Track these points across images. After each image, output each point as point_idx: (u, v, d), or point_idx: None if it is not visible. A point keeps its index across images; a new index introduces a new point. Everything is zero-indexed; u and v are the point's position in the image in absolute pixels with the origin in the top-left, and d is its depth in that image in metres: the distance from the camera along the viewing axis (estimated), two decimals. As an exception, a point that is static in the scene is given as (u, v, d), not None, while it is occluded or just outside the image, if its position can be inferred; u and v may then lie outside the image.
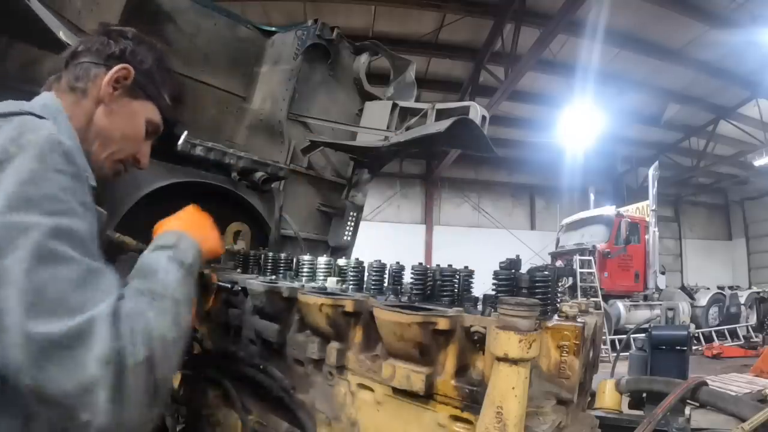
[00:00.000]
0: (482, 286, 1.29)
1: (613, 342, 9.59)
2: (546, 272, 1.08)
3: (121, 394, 0.65)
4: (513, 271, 1.11)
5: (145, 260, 0.87)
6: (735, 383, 6.10)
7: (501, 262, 1.14)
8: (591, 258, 10.88)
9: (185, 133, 1.21)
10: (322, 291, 1.28)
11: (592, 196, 13.78)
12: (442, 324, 0.98)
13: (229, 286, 1.35)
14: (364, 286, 1.39)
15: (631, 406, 2.14)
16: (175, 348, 0.77)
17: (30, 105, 0.89)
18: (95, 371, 0.64)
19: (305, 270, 1.53)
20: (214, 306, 1.35)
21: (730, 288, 13.40)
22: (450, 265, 1.29)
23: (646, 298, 11.75)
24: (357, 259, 1.46)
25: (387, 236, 14.15)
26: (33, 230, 0.66)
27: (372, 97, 3.18)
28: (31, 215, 0.67)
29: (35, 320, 0.63)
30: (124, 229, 1.98)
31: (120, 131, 1.01)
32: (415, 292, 1.26)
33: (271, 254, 1.69)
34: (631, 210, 12.79)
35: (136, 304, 0.74)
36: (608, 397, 2.14)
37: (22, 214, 0.67)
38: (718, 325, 12.08)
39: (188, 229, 0.99)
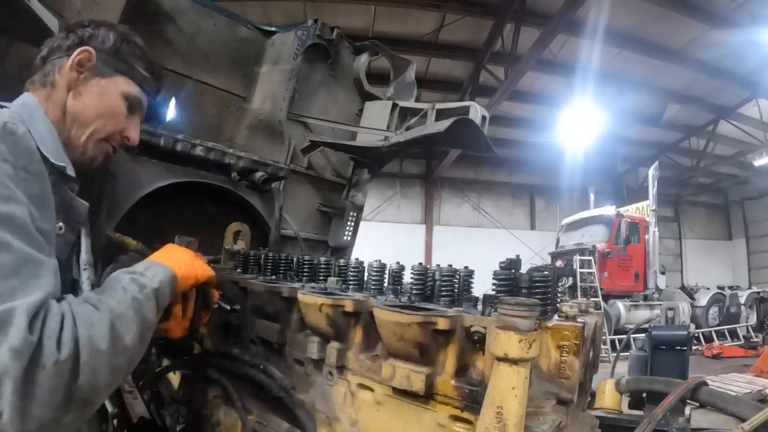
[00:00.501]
0: (482, 286, 1.29)
1: (613, 342, 9.59)
2: (546, 272, 1.08)
3: (29, 389, 0.63)
4: (513, 271, 1.11)
5: (110, 279, 0.89)
6: (735, 383, 6.10)
7: (501, 262, 1.14)
8: (591, 258, 10.88)
9: (172, 99, 1.22)
10: (322, 291, 1.28)
11: (592, 196, 13.78)
12: (442, 324, 0.98)
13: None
14: (364, 286, 1.39)
15: (631, 406, 2.14)
16: (108, 360, 0.75)
17: (10, 105, 0.92)
18: (5, 360, 0.62)
19: (305, 270, 1.53)
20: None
21: (730, 288, 13.40)
22: (450, 265, 1.29)
23: (646, 298, 11.75)
24: (357, 259, 1.46)
25: (387, 236, 14.16)
26: None
27: (372, 97, 3.18)
28: None
29: None
30: (124, 229, 1.98)
31: (94, 110, 1.02)
32: (415, 292, 1.26)
33: (271, 254, 1.69)
34: (631, 210, 12.79)
35: (76, 308, 0.74)
36: (608, 397, 2.14)
37: None
38: (718, 325, 12.08)
39: (161, 259, 1.01)
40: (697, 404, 1.87)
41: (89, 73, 1.01)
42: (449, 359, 1.00)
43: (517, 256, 1.15)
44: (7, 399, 0.62)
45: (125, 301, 0.83)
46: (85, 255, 1.11)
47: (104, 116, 1.03)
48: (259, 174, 2.47)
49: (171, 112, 1.24)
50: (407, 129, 2.86)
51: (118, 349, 0.77)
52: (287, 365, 1.36)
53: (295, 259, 1.60)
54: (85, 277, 1.08)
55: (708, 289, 13.20)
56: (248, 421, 1.30)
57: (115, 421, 1.46)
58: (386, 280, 1.35)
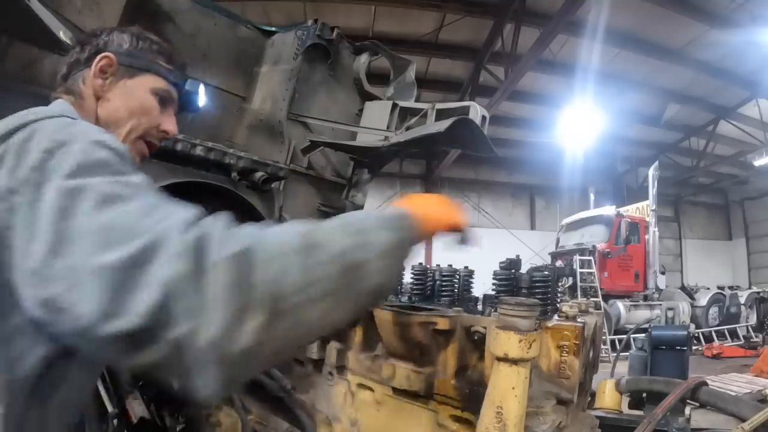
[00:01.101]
0: (482, 286, 1.29)
1: (613, 342, 9.58)
2: (546, 272, 1.08)
3: (198, 288, 0.54)
4: (513, 271, 1.11)
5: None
6: (735, 383, 6.10)
7: (501, 262, 1.14)
8: (591, 258, 10.88)
9: (201, 86, 1.21)
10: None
11: (592, 196, 13.78)
12: (442, 324, 0.98)
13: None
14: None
15: (631, 406, 2.14)
16: (298, 261, 0.60)
17: (51, 110, 0.90)
18: (170, 266, 0.55)
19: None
20: None
21: (730, 288, 13.40)
22: (450, 265, 1.29)
23: (646, 298, 11.74)
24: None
25: (387, 236, 14.12)
26: (91, 188, 0.62)
27: (372, 97, 3.18)
28: (89, 178, 0.64)
29: (102, 253, 0.56)
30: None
31: (125, 109, 1.03)
32: (415, 292, 1.26)
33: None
34: (631, 210, 12.79)
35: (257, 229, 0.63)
36: (608, 397, 2.14)
37: (80, 179, 0.63)
38: (718, 325, 12.07)
39: (408, 205, 0.85)
40: (697, 404, 1.87)
41: (113, 78, 1.02)
42: (449, 359, 1.00)
43: (517, 256, 1.15)
44: (183, 313, 0.54)
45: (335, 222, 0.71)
46: None
47: (137, 114, 1.04)
48: (259, 174, 2.47)
49: (202, 98, 1.22)
50: (407, 129, 2.86)
51: (314, 255, 0.62)
52: (287, 365, 1.36)
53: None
54: None
55: (708, 289, 13.19)
56: (248, 421, 1.30)
57: (115, 421, 1.46)
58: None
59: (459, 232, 0.90)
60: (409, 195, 0.90)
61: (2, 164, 0.67)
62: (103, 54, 1.01)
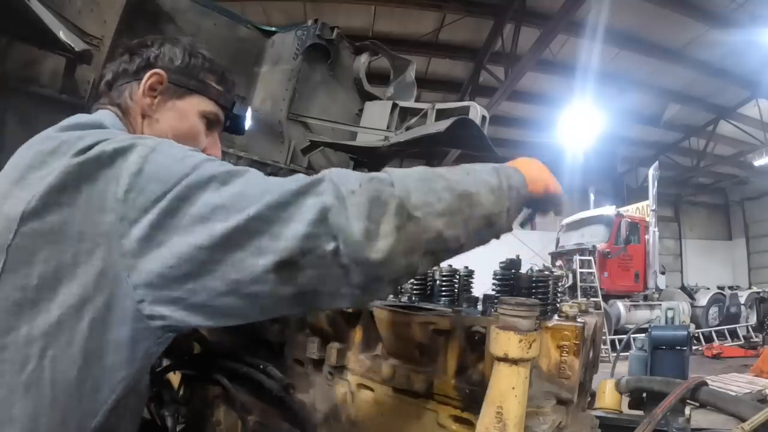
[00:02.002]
0: (482, 286, 1.29)
1: (613, 342, 9.59)
2: (545, 273, 1.08)
3: (344, 209, 0.64)
4: (513, 271, 1.11)
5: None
6: (735, 383, 6.11)
7: (501, 262, 1.14)
8: (591, 258, 10.89)
9: (249, 108, 1.16)
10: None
11: (592, 196, 13.79)
12: (442, 324, 0.98)
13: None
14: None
15: (631, 406, 2.14)
16: (425, 186, 0.71)
17: (92, 119, 0.89)
18: (318, 202, 0.65)
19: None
20: None
21: (730, 288, 13.40)
22: (450, 265, 1.29)
23: (646, 298, 11.75)
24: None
25: (387, 236, 14.12)
26: (198, 170, 0.68)
27: (372, 97, 3.18)
28: (191, 160, 0.70)
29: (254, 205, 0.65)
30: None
31: (173, 133, 0.98)
32: (415, 292, 1.26)
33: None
34: (631, 210, 12.79)
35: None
36: (608, 397, 2.14)
37: (183, 164, 0.69)
38: (718, 325, 12.07)
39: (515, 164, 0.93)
40: (697, 404, 1.87)
41: (162, 97, 0.97)
42: (449, 359, 1.00)
43: (517, 256, 1.15)
44: (332, 222, 0.64)
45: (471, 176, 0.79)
46: None
47: (184, 138, 0.98)
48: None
49: (249, 121, 1.18)
50: (407, 129, 2.86)
51: (434, 181, 0.73)
52: (287, 365, 1.36)
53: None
54: None
55: (708, 289, 13.20)
56: (248, 421, 1.30)
57: (115, 421, 1.46)
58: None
59: (554, 197, 0.99)
60: (518, 159, 0.97)
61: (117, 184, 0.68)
62: (154, 71, 0.96)
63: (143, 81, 0.95)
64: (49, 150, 0.74)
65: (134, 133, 0.94)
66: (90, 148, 0.71)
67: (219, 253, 0.64)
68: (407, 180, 0.71)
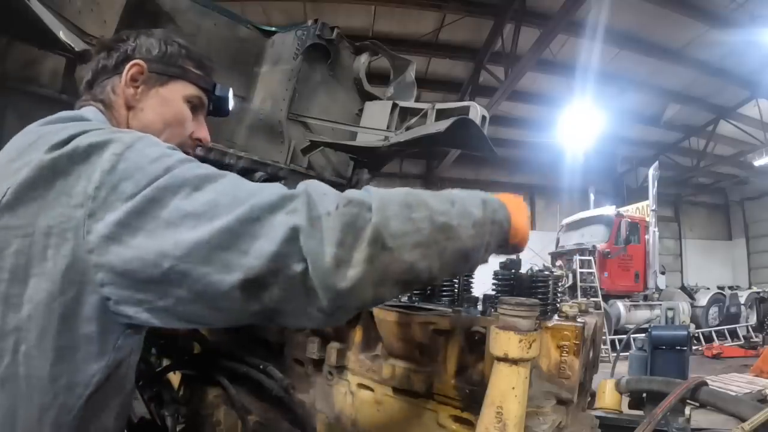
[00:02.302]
0: (482, 286, 1.29)
1: (613, 342, 9.59)
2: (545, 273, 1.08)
3: (316, 232, 0.62)
4: (513, 270, 1.11)
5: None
6: (735, 383, 6.11)
7: (501, 262, 1.14)
8: (591, 258, 10.88)
9: (230, 91, 1.17)
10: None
11: (592, 196, 13.77)
12: (442, 324, 0.98)
13: None
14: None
15: (631, 406, 2.14)
16: (401, 213, 0.68)
17: (80, 114, 0.89)
18: (290, 221, 0.63)
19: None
20: None
21: (730, 288, 13.38)
22: (450, 265, 1.29)
23: (646, 298, 11.74)
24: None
25: (387, 236, 14.10)
26: (173, 171, 0.68)
27: (372, 97, 3.18)
28: (166, 161, 0.69)
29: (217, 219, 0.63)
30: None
31: (160, 121, 0.99)
32: (415, 292, 1.26)
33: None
34: (631, 210, 12.78)
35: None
36: (608, 397, 2.14)
37: (157, 165, 0.68)
38: (718, 325, 12.06)
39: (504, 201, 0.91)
40: (697, 404, 1.87)
41: (145, 86, 0.98)
42: (449, 359, 1.00)
43: (517, 256, 1.15)
44: (302, 245, 0.63)
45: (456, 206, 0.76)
46: None
47: (172, 124, 1.01)
48: (259, 174, 2.47)
49: (231, 102, 1.19)
50: (407, 129, 2.86)
51: (414, 210, 0.70)
52: (287, 365, 1.36)
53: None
54: None
55: (708, 289, 13.19)
56: (248, 421, 1.30)
57: (115, 421, 1.46)
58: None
59: (523, 247, 0.96)
60: (504, 194, 0.94)
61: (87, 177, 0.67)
62: (133, 62, 0.97)
63: (124, 72, 0.96)
64: (27, 143, 0.74)
65: (119, 126, 0.95)
66: (66, 142, 0.70)
67: (185, 263, 0.63)
68: (388, 206, 0.68)
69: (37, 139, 0.74)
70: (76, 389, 0.70)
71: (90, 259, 0.66)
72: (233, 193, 0.66)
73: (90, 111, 0.93)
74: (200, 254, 0.62)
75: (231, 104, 1.19)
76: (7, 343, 0.66)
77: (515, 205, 0.91)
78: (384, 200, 0.68)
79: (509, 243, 0.90)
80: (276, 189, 0.67)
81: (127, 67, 0.97)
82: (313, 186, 0.69)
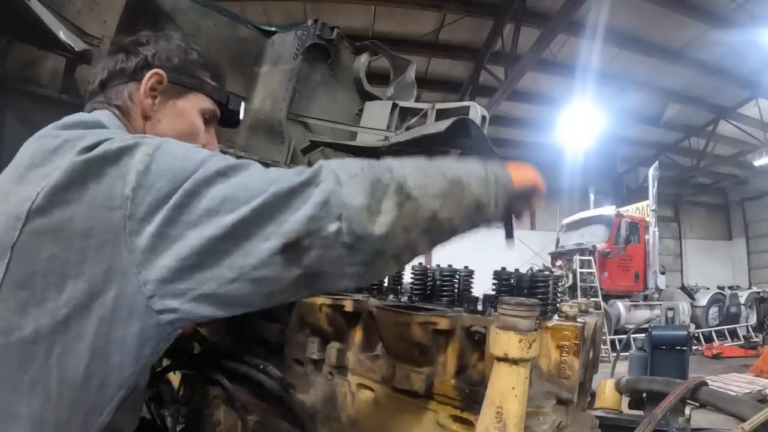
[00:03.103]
0: (482, 286, 1.29)
1: (613, 342, 9.58)
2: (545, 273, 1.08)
3: (346, 186, 0.68)
4: (513, 271, 1.11)
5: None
6: (735, 383, 6.11)
7: (494, 272, 1.15)
8: (591, 258, 10.88)
9: (242, 104, 1.17)
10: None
11: (592, 196, 13.78)
12: (442, 324, 0.98)
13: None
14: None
15: (631, 406, 2.14)
16: (415, 174, 0.76)
17: (90, 117, 0.88)
18: (324, 187, 0.68)
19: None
20: None
21: (730, 288, 13.39)
22: (450, 265, 1.29)
23: (646, 298, 11.74)
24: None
25: (387, 236, 14.11)
26: (204, 167, 0.70)
27: (372, 97, 3.18)
28: (196, 157, 0.72)
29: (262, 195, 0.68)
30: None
31: (175, 133, 0.97)
32: (415, 292, 1.26)
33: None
34: (631, 210, 12.79)
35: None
36: (608, 397, 2.14)
37: (189, 161, 0.70)
38: (718, 325, 12.06)
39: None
40: (697, 404, 1.87)
41: (162, 97, 0.97)
42: (449, 359, 1.00)
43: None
44: (335, 204, 0.68)
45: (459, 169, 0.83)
46: None
47: (186, 137, 0.98)
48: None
49: (242, 114, 1.19)
50: (407, 129, 2.85)
51: (429, 168, 0.79)
52: (287, 365, 1.36)
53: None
54: None
55: (708, 289, 13.19)
56: (248, 421, 1.30)
57: (115, 421, 1.46)
58: (386, 280, 1.35)
59: (538, 191, 1.01)
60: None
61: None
62: (154, 71, 0.95)
63: (144, 82, 0.95)
64: (52, 148, 0.74)
65: (135, 133, 0.93)
66: (94, 146, 0.71)
67: (228, 243, 0.66)
68: (404, 166, 0.76)
69: (62, 144, 0.74)
70: (107, 391, 0.70)
71: (133, 260, 0.67)
72: (264, 176, 0.71)
73: (105, 116, 0.91)
74: (242, 231, 0.66)
75: (242, 116, 1.19)
76: (40, 347, 0.66)
77: (517, 166, 0.98)
78: (400, 163, 0.77)
79: (522, 194, 0.96)
80: (300, 169, 0.72)
81: (147, 76, 0.95)
82: (333, 162, 0.74)
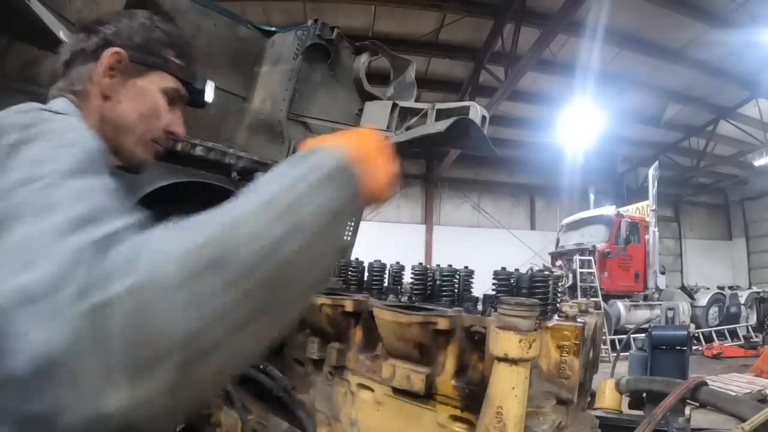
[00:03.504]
0: (482, 286, 1.29)
1: (613, 342, 9.59)
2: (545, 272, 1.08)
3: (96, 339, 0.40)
4: (513, 271, 1.11)
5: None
6: (735, 383, 6.11)
7: (495, 271, 1.14)
8: (591, 258, 10.89)
9: (210, 84, 1.14)
10: (322, 291, 1.28)
11: (592, 196, 13.78)
12: (442, 324, 0.98)
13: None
14: (365, 286, 1.39)
15: (631, 406, 2.14)
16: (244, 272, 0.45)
17: (48, 107, 0.83)
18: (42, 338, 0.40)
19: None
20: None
21: (730, 288, 13.39)
22: (450, 265, 1.29)
23: (646, 298, 11.74)
24: (357, 259, 1.46)
25: (387, 236, 14.15)
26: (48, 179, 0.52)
27: (372, 97, 3.18)
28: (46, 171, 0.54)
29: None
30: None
31: (135, 114, 0.95)
32: (415, 292, 1.26)
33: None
34: (631, 210, 12.79)
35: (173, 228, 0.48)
36: (608, 397, 2.14)
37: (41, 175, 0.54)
38: (718, 325, 12.07)
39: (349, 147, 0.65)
40: (697, 404, 1.87)
41: (122, 76, 0.94)
42: (449, 359, 1.00)
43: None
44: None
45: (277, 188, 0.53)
46: None
47: (147, 118, 0.97)
48: (259, 174, 2.47)
49: (210, 94, 1.16)
50: (407, 129, 2.86)
51: (228, 268, 0.45)
52: (287, 365, 1.36)
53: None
54: None
55: (708, 289, 13.19)
56: (248, 421, 1.30)
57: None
58: (386, 280, 1.35)
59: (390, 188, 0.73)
60: (337, 133, 0.72)
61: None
62: (112, 50, 0.92)
63: (102, 61, 0.92)
64: None
65: (93, 116, 0.91)
66: None
67: None
68: (187, 285, 0.43)
69: None
70: None
71: None
72: (23, 257, 0.45)
73: (61, 104, 0.88)
74: None
75: (210, 96, 1.15)
76: None
77: (360, 147, 0.67)
78: (175, 273, 0.43)
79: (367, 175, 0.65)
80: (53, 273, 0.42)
81: (106, 54, 0.92)
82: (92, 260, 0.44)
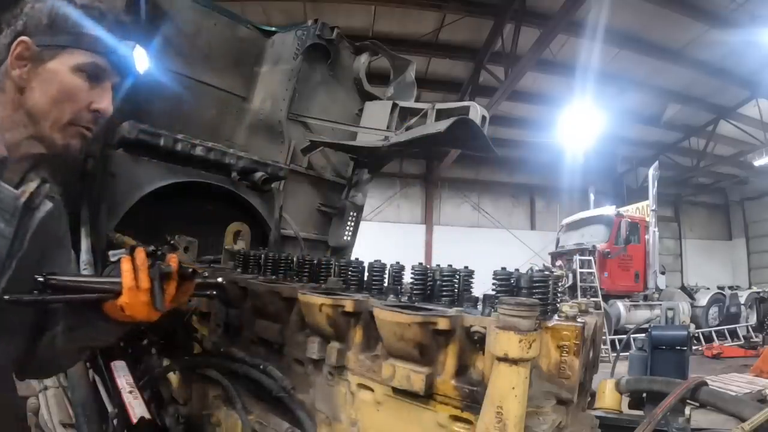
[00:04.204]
0: (482, 286, 1.29)
1: (613, 342, 9.59)
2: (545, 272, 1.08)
3: None
4: (513, 271, 1.11)
5: None
6: (735, 383, 6.11)
7: (494, 271, 1.14)
8: (591, 258, 10.89)
9: (139, 48, 1.07)
10: (323, 291, 1.28)
11: (592, 196, 13.78)
12: (442, 324, 0.98)
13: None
14: (365, 286, 1.38)
15: (631, 406, 2.14)
16: None
17: None
18: None
19: (305, 270, 1.53)
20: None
21: (730, 288, 13.39)
22: (450, 265, 1.29)
23: (646, 298, 11.74)
24: (357, 259, 1.46)
25: (387, 236, 14.15)
26: None
27: (372, 97, 3.18)
28: None
29: None
30: (125, 229, 1.98)
31: (46, 98, 0.92)
32: (415, 292, 1.26)
33: (271, 254, 1.69)
34: (631, 210, 12.79)
35: None
36: (608, 397, 2.14)
37: None
38: (718, 325, 12.07)
39: None
40: (697, 404, 1.87)
41: (33, 64, 0.91)
42: (449, 359, 1.00)
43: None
44: None
45: None
46: (85, 255, 1.10)
47: (59, 100, 0.93)
48: (259, 174, 2.47)
49: (143, 62, 1.10)
50: (407, 129, 2.86)
51: None
52: (287, 365, 1.36)
53: (295, 259, 1.60)
54: None
55: (708, 289, 13.19)
56: (248, 421, 1.30)
57: (115, 421, 1.46)
58: (386, 280, 1.35)
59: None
60: None
61: None
62: (18, 40, 0.90)
63: (12, 53, 0.90)
64: None
65: (13, 111, 0.90)
66: None
67: None
68: None
69: None
70: None
71: None
72: None
73: None
74: None
75: (141, 64, 1.06)
76: None
77: None
78: None
79: None
80: None
81: (13, 47, 0.90)
82: None
